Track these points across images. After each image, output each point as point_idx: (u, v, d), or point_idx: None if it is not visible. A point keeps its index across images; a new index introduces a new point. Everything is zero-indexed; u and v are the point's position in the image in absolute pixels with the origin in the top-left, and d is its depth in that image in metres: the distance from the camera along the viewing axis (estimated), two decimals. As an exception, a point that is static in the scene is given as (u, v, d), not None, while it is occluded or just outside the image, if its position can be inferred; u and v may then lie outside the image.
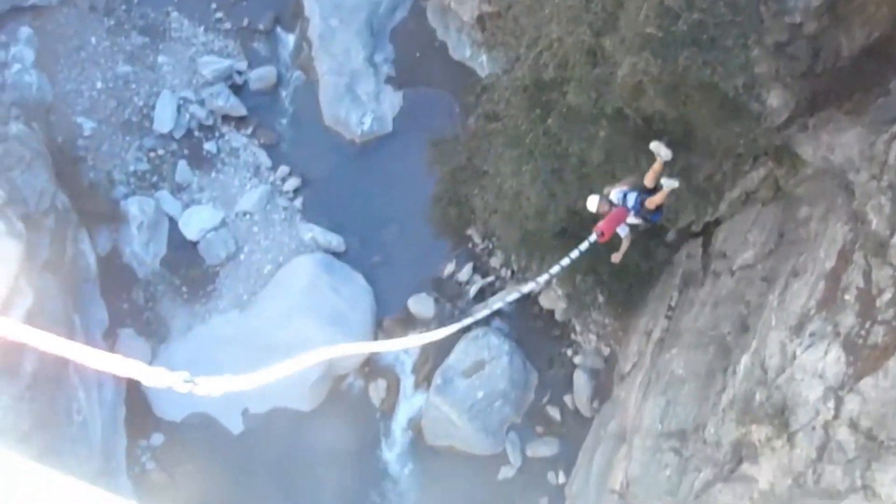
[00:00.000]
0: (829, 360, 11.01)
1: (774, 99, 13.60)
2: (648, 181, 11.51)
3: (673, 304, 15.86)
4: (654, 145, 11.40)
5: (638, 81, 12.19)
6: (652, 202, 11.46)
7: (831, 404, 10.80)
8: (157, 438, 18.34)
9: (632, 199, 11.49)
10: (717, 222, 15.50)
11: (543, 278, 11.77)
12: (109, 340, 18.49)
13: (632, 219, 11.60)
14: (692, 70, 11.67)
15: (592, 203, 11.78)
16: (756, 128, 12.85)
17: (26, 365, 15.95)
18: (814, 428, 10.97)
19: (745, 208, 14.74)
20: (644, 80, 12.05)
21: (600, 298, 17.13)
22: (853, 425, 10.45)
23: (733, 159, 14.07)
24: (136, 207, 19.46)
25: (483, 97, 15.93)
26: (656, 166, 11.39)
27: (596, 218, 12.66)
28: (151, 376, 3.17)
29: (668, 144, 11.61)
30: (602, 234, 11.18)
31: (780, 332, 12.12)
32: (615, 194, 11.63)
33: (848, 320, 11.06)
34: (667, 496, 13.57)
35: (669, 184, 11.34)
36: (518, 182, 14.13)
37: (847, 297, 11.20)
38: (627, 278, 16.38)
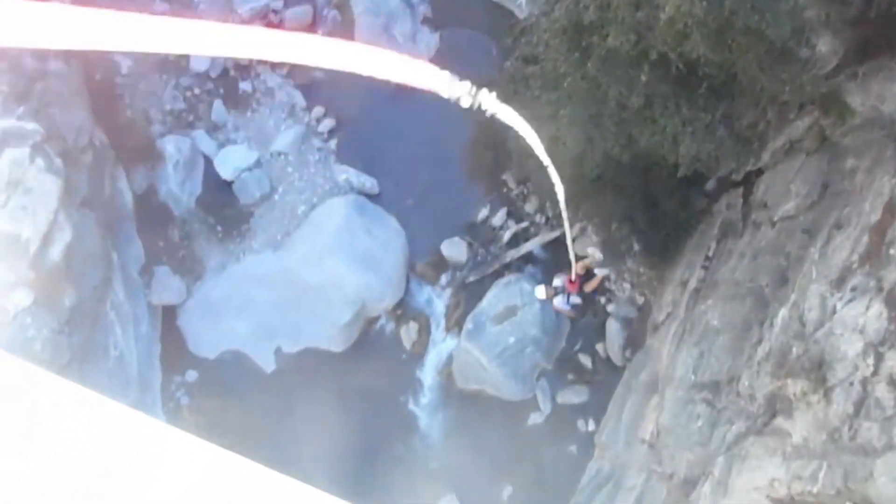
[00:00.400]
0: (871, 315, 10.75)
1: (823, 45, 13.11)
2: (580, 271, 13.90)
3: (710, 254, 15.59)
4: (591, 250, 14.03)
5: (682, 25, 11.77)
6: (589, 286, 13.97)
7: (871, 360, 10.57)
8: (192, 375, 18.56)
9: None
10: (759, 172, 15.10)
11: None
12: (146, 277, 18.69)
13: (574, 298, 14.09)
14: (739, 15, 11.23)
15: (540, 292, 14.54)
16: (803, 74, 12.37)
17: (65, 300, 16.12)
18: (851, 384, 10.76)
19: (789, 158, 14.33)
20: (689, 23, 11.63)
21: (636, 247, 16.88)
22: (893, 382, 10.22)
23: (778, 107, 13.62)
24: (172, 146, 19.35)
25: (521, 40, 15.51)
26: (588, 261, 13.87)
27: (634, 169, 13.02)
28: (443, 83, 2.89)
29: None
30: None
31: (821, 285, 11.86)
32: (558, 280, 14.13)
33: (892, 275, 10.76)
34: (698, 447, 13.49)
35: (602, 271, 14.21)
36: (555, 127, 13.79)
37: (892, 251, 10.88)
38: (664, 227, 16.10)
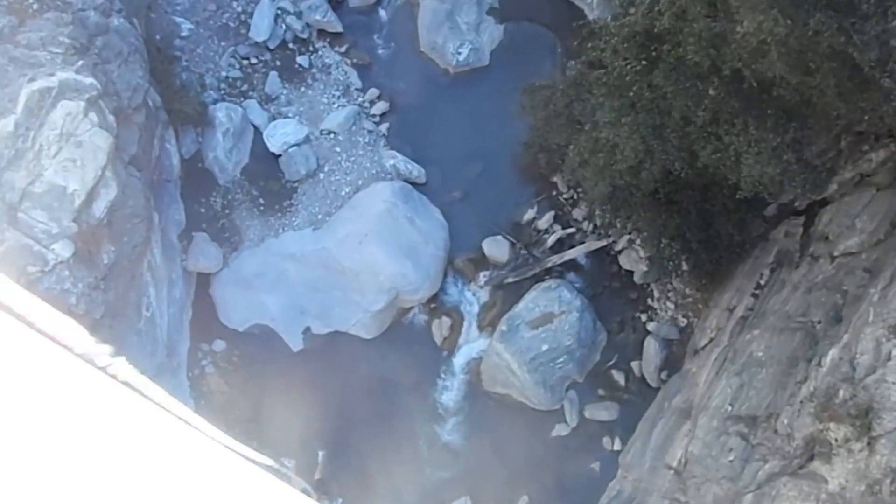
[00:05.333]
0: (930, 367, 10.17)
1: (909, 76, 12.46)
2: None
3: (762, 282, 15.06)
4: None
5: (761, 41, 11.25)
6: None
7: (925, 415, 10.01)
8: (219, 344, 18.47)
9: None
10: (824, 202, 14.51)
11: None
12: (184, 242, 18.63)
13: None
14: (824, 35, 10.66)
15: None
16: (884, 105, 11.74)
17: (103, 256, 16.09)
18: (901, 437, 10.22)
19: (858, 191, 13.73)
20: (768, 40, 11.10)
21: (684, 266, 16.35)
22: (947, 442, 9.66)
23: (852, 137, 13.00)
24: (223, 113, 19.21)
25: (589, 43, 15.07)
26: None
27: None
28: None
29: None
30: None
31: (877, 328, 11.30)
32: None
33: (958, 327, 10.17)
34: (726, 481, 13.01)
35: None
36: (615, 134, 13.35)
37: (961, 302, 10.28)
38: (717, 249, 15.56)
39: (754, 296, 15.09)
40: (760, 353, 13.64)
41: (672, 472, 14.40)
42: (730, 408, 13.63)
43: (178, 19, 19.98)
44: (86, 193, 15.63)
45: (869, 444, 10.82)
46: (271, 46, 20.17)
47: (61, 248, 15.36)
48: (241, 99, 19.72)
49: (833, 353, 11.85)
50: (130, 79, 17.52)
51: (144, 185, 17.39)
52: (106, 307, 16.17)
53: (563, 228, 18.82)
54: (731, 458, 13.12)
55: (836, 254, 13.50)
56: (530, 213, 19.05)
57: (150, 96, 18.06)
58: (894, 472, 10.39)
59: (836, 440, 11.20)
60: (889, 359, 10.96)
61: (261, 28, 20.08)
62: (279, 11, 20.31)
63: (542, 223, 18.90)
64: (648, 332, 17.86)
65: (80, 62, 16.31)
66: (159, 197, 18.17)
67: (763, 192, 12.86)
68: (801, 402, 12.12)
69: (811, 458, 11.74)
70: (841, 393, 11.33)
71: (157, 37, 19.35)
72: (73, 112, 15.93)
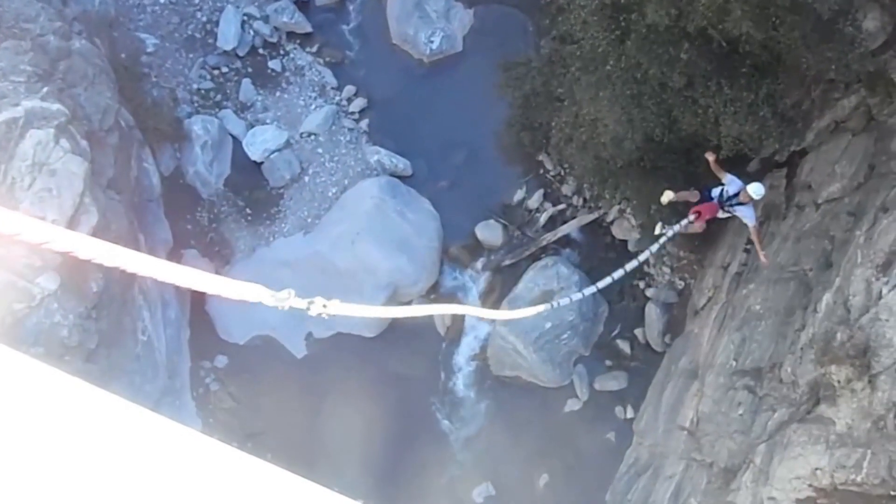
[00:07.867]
0: (918, 301, 11.01)
1: (870, 22, 13.37)
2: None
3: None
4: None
5: (724, 1, 12.10)
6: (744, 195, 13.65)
7: (917, 347, 10.83)
8: (221, 360, 19.01)
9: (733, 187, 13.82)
10: (804, 152, 15.34)
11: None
12: (173, 261, 18.94)
13: (721, 213, 14.05)
14: (784, -12, 11.55)
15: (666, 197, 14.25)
16: (849, 52, 12.66)
17: (92, 284, 16.44)
18: (897, 370, 11.05)
19: (834, 138, 14.56)
20: (730, -1, 11.97)
21: (677, 229, 17.19)
22: (939, 370, 10.50)
23: (823, 86, 13.89)
24: (199, 126, 19.78)
25: (559, 19, 15.86)
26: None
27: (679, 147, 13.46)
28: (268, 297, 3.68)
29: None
30: (699, 214, 13.99)
31: (866, 269, 12.07)
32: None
33: (939, 260, 11.02)
34: (738, 435, 13.78)
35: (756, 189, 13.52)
36: (595, 108, 14.19)
37: (940, 235, 11.13)
38: (707, 209, 16.40)
39: (746, 251, 15.91)
40: (758, 307, 14.46)
41: (685, 432, 15.20)
42: (734, 363, 14.45)
43: (143, 35, 20.52)
44: (66, 222, 15.82)
45: (870, 381, 11.56)
46: (241, 53, 20.81)
47: (47, 281, 15.64)
48: (216, 110, 20.35)
49: (827, 297, 12.66)
50: (99, 101, 17.80)
51: (126, 207, 17.77)
52: (100, 336, 16.59)
53: (554, 205, 19.64)
54: (740, 411, 13.93)
55: (820, 201, 14.33)
56: (520, 194, 19.85)
57: (122, 116, 18.41)
58: (896, 406, 11.19)
59: (839, 382, 11.93)
60: (880, 297, 11.76)
61: (228, 36, 20.69)
62: (245, 17, 20.94)
63: (533, 202, 19.72)
64: (648, 299, 18.74)
65: (45, 89, 16.56)
66: (143, 218, 18.59)
67: (744, 148, 13.74)
68: (802, 348, 12.92)
69: (817, 403, 12.45)
70: (838, 336, 12.07)
71: (123, 55, 19.79)
72: (43, 140, 16.11)
